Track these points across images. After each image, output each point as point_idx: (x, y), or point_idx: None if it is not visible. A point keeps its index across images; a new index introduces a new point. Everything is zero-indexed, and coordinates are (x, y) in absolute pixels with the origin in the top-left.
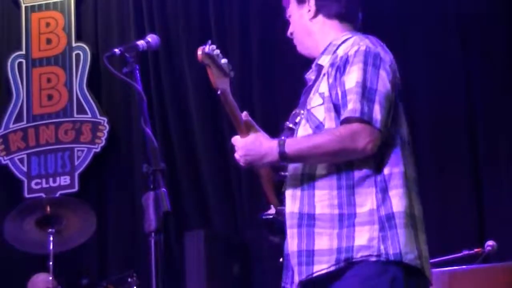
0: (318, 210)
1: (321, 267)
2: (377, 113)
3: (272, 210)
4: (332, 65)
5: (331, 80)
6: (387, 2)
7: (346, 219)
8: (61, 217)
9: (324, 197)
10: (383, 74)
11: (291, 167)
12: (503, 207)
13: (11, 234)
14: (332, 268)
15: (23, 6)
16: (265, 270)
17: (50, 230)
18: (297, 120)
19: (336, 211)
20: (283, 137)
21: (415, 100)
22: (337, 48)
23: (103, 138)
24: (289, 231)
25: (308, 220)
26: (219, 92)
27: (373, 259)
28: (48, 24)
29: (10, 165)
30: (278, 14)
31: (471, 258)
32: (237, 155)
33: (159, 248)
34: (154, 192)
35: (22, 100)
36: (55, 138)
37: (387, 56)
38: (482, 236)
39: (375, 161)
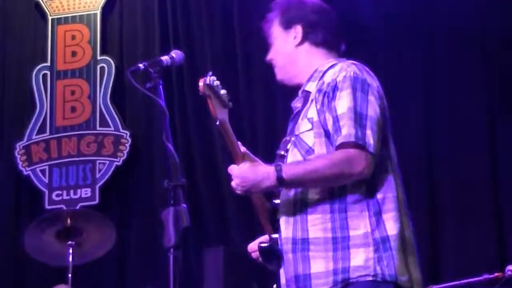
0: (311, 234)
1: None
2: (370, 138)
3: (267, 238)
4: (319, 91)
5: (318, 106)
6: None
7: (340, 242)
8: (81, 229)
9: (317, 221)
10: (371, 99)
11: (283, 193)
12: None
13: (31, 245)
14: None
15: (49, 18)
16: None
17: (69, 242)
18: (288, 147)
19: (330, 235)
20: (279, 163)
21: (434, 123)
22: (323, 75)
23: (125, 152)
24: (285, 257)
25: (302, 244)
26: (217, 122)
27: (370, 278)
28: (73, 37)
29: (31, 176)
30: None
31: (491, 282)
32: (233, 184)
33: (177, 264)
34: (174, 208)
35: (46, 112)
36: (77, 150)
37: (373, 82)
38: (503, 260)
39: (368, 184)
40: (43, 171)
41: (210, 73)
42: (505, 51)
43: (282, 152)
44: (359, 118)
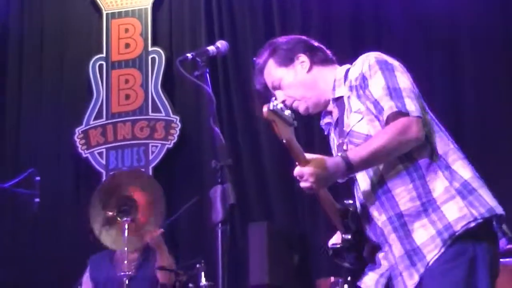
0: (402, 207)
1: (433, 254)
2: (410, 105)
3: (338, 239)
4: (350, 88)
5: (357, 98)
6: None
7: (429, 205)
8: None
9: (402, 194)
10: (398, 74)
11: (362, 185)
12: None
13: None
14: (443, 250)
15: (104, 13)
16: (321, 260)
17: (125, 219)
18: (344, 148)
19: (418, 202)
20: (342, 153)
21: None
22: (346, 77)
23: (175, 135)
24: (389, 239)
25: (398, 220)
26: (284, 141)
27: (472, 224)
28: (126, 30)
29: (90, 158)
30: (343, 26)
31: None
32: (306, 184)
33: (225, 237)
34: (221, 186)
35: (102, 99)
36: (131, 134)
37: (394, 61)
38: None
39: (429, 146)
40: (100, 154)
41: (274, 98)
42: None
43: (339, 154)
44: (394, 93)
